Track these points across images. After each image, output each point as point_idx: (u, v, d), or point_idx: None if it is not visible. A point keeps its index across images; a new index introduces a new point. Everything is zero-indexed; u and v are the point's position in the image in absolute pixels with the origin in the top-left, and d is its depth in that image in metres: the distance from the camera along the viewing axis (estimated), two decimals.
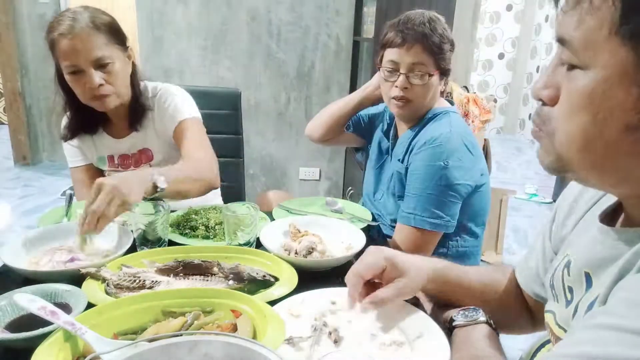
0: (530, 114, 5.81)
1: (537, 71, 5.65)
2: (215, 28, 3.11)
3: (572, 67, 0.49)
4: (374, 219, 1.35)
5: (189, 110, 1.39)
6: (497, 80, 6.19)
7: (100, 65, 1.26)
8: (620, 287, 0.46)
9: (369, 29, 2.78)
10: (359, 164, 1.70)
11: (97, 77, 1.25)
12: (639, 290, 0.41)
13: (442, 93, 1.35)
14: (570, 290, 0.62)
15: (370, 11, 2.81)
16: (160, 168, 1.14)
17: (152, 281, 0.88)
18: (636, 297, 0.41)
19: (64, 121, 1.45)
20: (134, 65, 1.39)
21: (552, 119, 0.52)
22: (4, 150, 4.40)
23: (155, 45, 3.10)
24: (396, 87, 1.27)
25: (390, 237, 1.33)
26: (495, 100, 6.29)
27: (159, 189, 1.08)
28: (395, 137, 1.42)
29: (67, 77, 1.27)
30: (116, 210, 0.98)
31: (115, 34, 1.29)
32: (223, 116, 1.85)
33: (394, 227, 1.32)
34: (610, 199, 0.61)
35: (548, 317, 0.68)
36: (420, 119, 1.33)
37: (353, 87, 3.23)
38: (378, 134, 1.51)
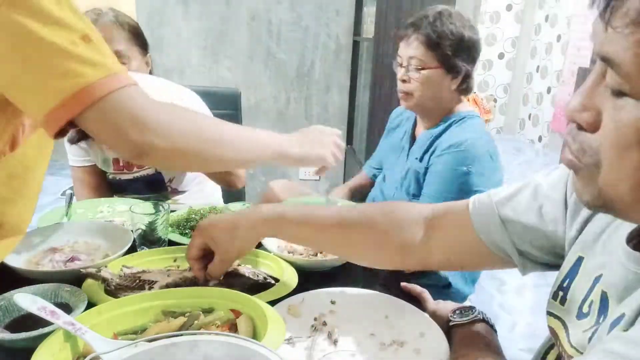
0: (530, 114, 5.81)
1: (537, 71, 5.65)
2: (215, 28, 3.11)
3: (619, 93, 0.41)
4: None
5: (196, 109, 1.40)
6: (497, 80, 6.18)
7: (122, 59, 1.28)
8: None
9: (369, 29, 2.78)
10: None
11: None
12: None
13: (462, 91, 1.33)
14: (591, 305, 0.58)
15: (370, 11, 2.81)
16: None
17: (153, 281, 0.87)
18: None
19: None
20: (151, 73, 1.40)
21: (595, 149, 0.45)
22: None
23: (155, 45, 3.09)
24: (399, 80, 1.31)
25: None
26: (495, 100, 6.29)
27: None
28: (413, 136, 1.43)
29: None
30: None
31: (137, 36, 1.32)
32: (223, 116, 1.81)
33: None
34: None
35: (553, 323, 0.65)
36: (441, 119, 1.33)
37: (353, 87, 3.23)
38: (395, 135, 1.51)
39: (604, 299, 0.55)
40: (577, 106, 0.45)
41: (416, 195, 1.31)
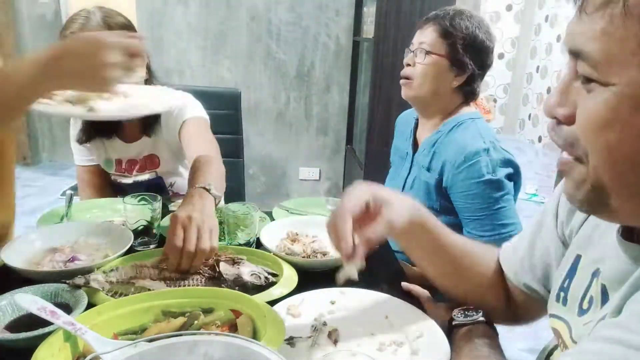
0: (530, 114, 5.81)
1: (537, 71, 5.65)
2: (215, 28, 3.11)
3: (588, 80, 0.44)
4: None
5: (190, 111, 1.38)
6: (497, 80, 6.19)
7: None
8: (633, 300, 0.44)
9: (369, 29, 2.78)
10: None
11: None
12: None
13: (467, 95, 1.30)
14: (591, 300, 0.59)
15: (370, 11, 2.81)
16: (203, 180, 1.06)
17: (149, 289, 0.86)
18: None
19: (73, 123, 1.45)
20: (149, 70, 1.38)
21: (579, 140, 0.47)
22: None
23: (155, 45, 3.10)
24: (404, 64, 1.30)
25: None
26: (495, 100, 6.29)
27: (217, 202, 1.03)
28: (415, 141, 1.41)
29: None
30: (208, 246, 0.89)
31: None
32: (223, 116, 1.85)
33: None
34: None
35: (557, 324, 0.65)
36: (442, 122, 1.30)
37: (353, 87, 3.23)
38: (399, 139, 1.50)
39: (604, 293, 0.56)
40: (554, 102, 0.49)
41: (427, 208, 1.27)
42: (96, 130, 1.42)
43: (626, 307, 0.45)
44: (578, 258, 0.64)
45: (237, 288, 0.88)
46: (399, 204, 0.73)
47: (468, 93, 1.30)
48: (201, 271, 0.91)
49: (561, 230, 0.71)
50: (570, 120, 0.48)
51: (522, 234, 0.80)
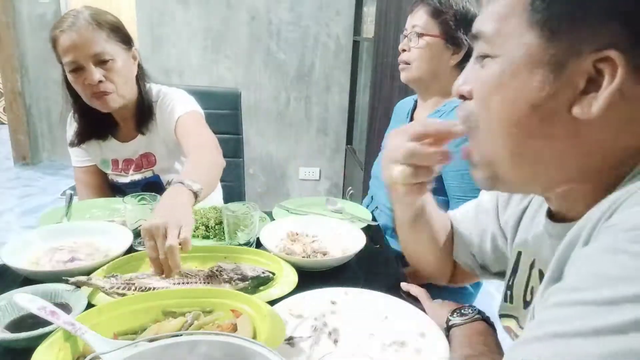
0: None
1: None
2: (215, 28, 3.11)
3: (484, 57, 0.53)
4: (374, 219, 1.35)
5: (185, 106, 1.38)
6: None
7: (101, 61, 1.25)
8: (572, 263, 0.46)
9: (369, 29, 2.78)
10: None
11: (97, 73, 1.24)
12: (591, 262, 0.41)
13: None
14: (532, 290, 0.63)
15: (370, 11, 2.81)
16: (180, 176, 1.05)
17: (149, 288, 0.86)
18: (589, 269, 0.40)
19: (70, 124, 1.45)
20: (140, 67, 1.38)
21: (473, 112, 0.55)
22: (4, 150, 4.40)
23: (155, 45, 3.10)
24: (400, 50, 1.28)
25: (388, 226, 1.31)
26: None
27: (199, 194, 1.00)
28: (412, 120, 1.39)
29: (69, 76, 1.27)
30: (176, 242, 0.86)
31: (118, 32, 1.29)
32: (223, 116, 1.85)
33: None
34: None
35: (507, 322, 0.69)
36: (442, 104, 1.28)
37: (353, 87, 3.23)
38: (395, 124, 1.48)
39: (542, 276, 0.59)
40: (460, 82, 0.57)
41: None
42: (91, 132, 1.41)
43: (566, 270, 0.46)
44: (519, 255, 0.68)
45: (236, 278, 0.88)
46: None
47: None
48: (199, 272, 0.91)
49: (502, 220, 0.78)
50: (471, 94, 0.55)
51: (464, 212, 0.89)
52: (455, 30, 1.22)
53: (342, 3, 3.10)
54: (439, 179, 1.24)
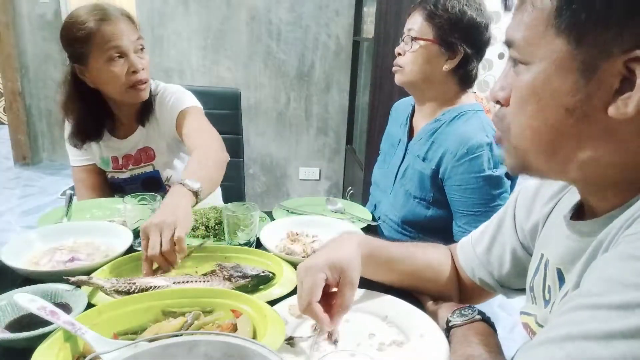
0: None
1: None
2: (215, 28, 3.12)
3: (517, 63, 0.54)
4: (374, 219, 1.35)
5: (186, 101, 1.39)
6: None
7: (138, 49, 1.29)
8: (590, 270, 0.47)
9: (369, 29, 2.78)
10: None
11: (139, 61, 1.28)
12: (606, 267, 0.42)
13: (462, 80, 1.25)
14: (549, 289, 0.64)
15: (370, 11, 2.81)
16: (183, 174, 1.09)
17: (151, 287, 0.87)
18: (604, 274, 0.41)
19: (67, 125, 1.45)
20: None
21: (506, 116, 0.56)
22: (4, 150, 4.39)
23: (155, 45, 3.10)
24: (396, 53, 1.28)
25: (392, 238, 1.27)
26: None
27: (199, 193, 1.03)
28: (411, 128, 1.37)
29: (104, 66, 1.26)
30: (171, 242, 0.90)
31: (136, 26, 1.34)
32: (223, 116, 1.85)
33: (400, 225, 1.30)
34: (573, 196, 0.64)
35: (527, 319, 0.69)
36: (441, 112, 1.27)
37: (353, 87, 3.23)
38: (393, 127, 1.47)
39: (560, 275, 0.61)
40: (496, 87, 0.58)
41: (417, 198, 1.26)
42: (88, 133, 1.42)
43: (583, 279, 0.47)
44: (542, 256, 0.68)
45: (236, 275, 0.89)
46: (350, 261, 0.77)
47: (463, 77, 1.25)
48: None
49: (521, 233, 0.78)
50: (507, 101, 0.56)
51: (483, 231, 0.86)
52: (450, 34, 1.19)
53: (342, 3, 3.10)
54: (442, 192, 1.24)
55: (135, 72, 1.27)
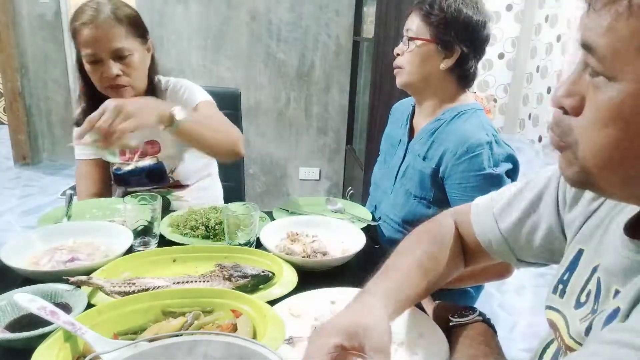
0: (530, 114, 5.81)
1: (537, 71, 5.64)
2: (215, 28, 3.11)
3: (596, 74, 0.46)
4: (373, 219, 1.35)
5: (202, 95, 1.42)
6: (497, 80, 6.18)
7: (119, 56, 1.28)
8: None
9: (369, 29, 2.78)
10: None
11: (115, 68, 1.27)
12: None
13: (461, 79, 1.25)
14: (588, 294, 0.60)
15: (370, 11, 2.81)
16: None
17: (151, 287, 0.86)
18: None
19: (77, 107, 1.45)
20: (153, 58, 1.41)
21: (574, 129, 0.49)
22: (4, 150, 4.39)
23: (155, 45, 3.09)
24: (395, 54, 1.28)
25: (392, 238, 1.28)
26: (495, 100, 6.29)
27: (176, 121, 1.07)
28: (411, 128, 1.37)
29: (86, 65, 1.29)
30: (123, 128, 0.97)
31: (136, 26, 1.33)
32: None
33: (400, 225, 1.30)
34: (629, 205, 0.58)
35: (552, 315, 0.66)
36: (441, 111, 1.27)
37: (353, 87, 3.23)
38: (394, 127, 1.47)
39: (598, 287, 0.57)
40: (563, 92, 0.50)
41: (418, 197, 1.26)
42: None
43: (635, 311, 0.46)
44: (580, 252, 0.64)
45: (236, 275, 0.89)
46: (376, 326, 0.62)
47: (461, 76, 1.25)
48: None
49: (562, 215, 0.70)
50: (576, 111, 0.48)
51: (508, 204, 0.78)
52: (446, 33, 1.20)
53: (342, 3, 3.10)
54: (442, 191, 1.23)
55: (108, 77, 1.28)
